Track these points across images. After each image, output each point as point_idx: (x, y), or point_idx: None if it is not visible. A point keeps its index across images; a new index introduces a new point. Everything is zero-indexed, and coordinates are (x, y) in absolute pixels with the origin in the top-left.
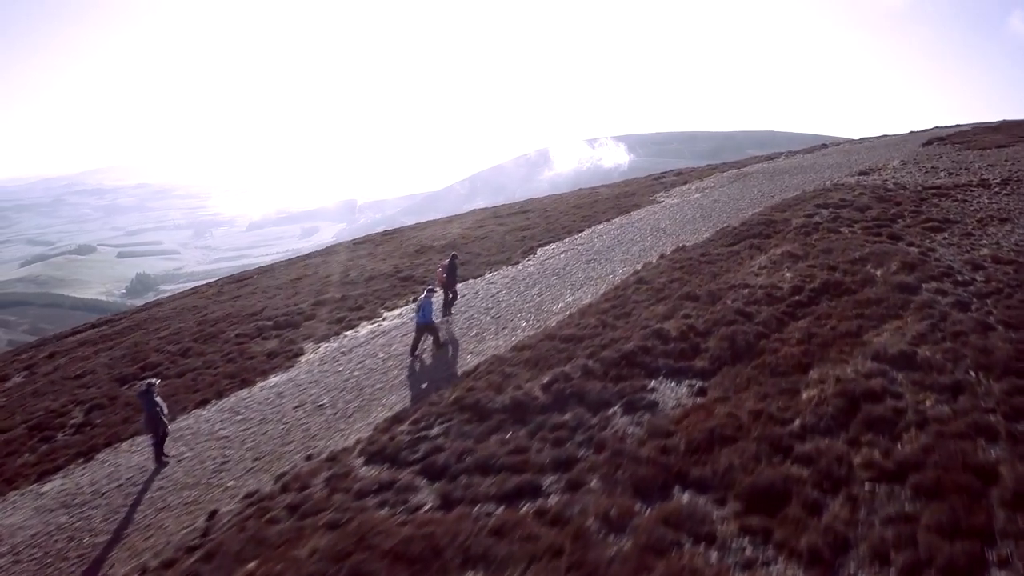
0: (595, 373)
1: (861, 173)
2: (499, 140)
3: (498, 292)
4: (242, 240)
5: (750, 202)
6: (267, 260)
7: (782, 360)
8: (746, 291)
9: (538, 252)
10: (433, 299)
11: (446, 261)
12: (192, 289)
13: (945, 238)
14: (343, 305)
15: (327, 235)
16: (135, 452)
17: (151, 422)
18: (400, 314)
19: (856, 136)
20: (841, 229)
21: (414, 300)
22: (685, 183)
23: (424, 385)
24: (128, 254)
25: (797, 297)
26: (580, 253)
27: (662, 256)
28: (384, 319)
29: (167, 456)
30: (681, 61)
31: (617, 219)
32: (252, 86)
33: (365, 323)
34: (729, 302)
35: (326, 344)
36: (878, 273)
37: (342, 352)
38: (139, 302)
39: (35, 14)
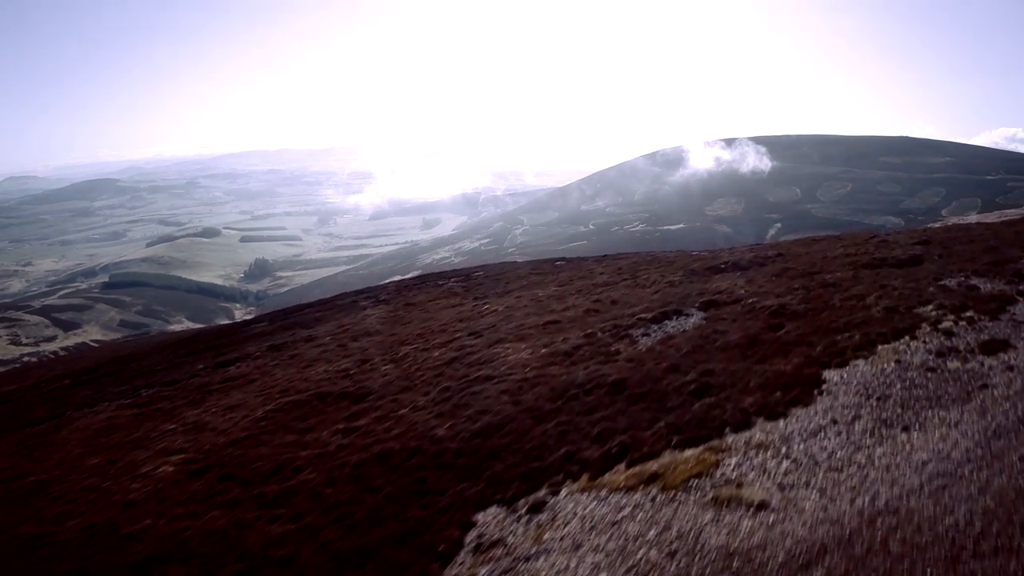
0: None
1: None
2: (626, 140)
3: None
4: (364, 229)
5: None
6: (385, 251)
7: None
8: None
9: None
10: None
11: None
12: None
13: None
14: None
15: (448, 227)
16: None
17: None
18: None
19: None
20: None
21: None
22: (753, 420)
23: None
24: (251, 238)
25: None
26: None
27: None
28: None
29: None
30: (814, 59)
31: None
32: (383, 79)
33: None
34: None
35: None
36: None
37: None
38: (255, 287)
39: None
